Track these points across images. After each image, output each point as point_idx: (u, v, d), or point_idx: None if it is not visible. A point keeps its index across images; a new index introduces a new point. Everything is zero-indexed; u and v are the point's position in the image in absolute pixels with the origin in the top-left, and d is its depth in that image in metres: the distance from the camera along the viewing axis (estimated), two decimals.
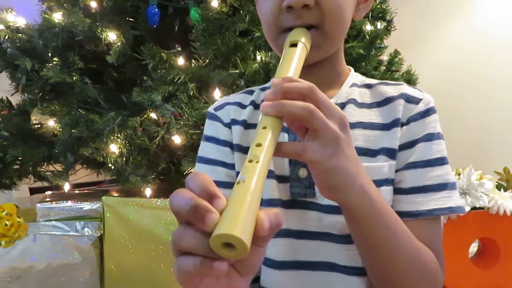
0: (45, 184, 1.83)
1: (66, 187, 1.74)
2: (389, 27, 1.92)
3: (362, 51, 1.61)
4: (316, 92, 0.43)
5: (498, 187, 1.46)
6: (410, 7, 2.46)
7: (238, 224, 0.32)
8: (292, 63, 0.51)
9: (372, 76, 1.70)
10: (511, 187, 1.52)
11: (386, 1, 1.86)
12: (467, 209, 1.37)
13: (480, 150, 2.49)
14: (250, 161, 0.38)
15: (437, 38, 2.64)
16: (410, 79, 1.95)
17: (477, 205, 1.36)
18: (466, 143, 2.39)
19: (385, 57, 1.96)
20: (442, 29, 2.63)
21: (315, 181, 0.47)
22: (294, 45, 0.55)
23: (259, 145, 0.40)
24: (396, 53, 1.96)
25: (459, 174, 1.48)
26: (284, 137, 0.64)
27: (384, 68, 1.92)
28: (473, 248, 1.51)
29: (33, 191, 2.24)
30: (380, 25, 1.76)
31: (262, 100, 0.44)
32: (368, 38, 1.68)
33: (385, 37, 1.88)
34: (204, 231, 0.32)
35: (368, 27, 1.70)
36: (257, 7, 0.68)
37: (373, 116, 0.64)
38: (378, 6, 1.82)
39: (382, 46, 1.82)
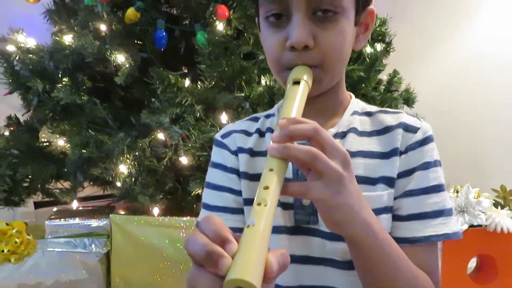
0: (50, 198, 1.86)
1: (74, 203, 1.77)
2: (388, 48, 1.95)
3: (362, 74, 1.64)
4: (320, 133, 0.46)
5: (495, 204, 1.49)
6: (408, 26, 2.48)
7: (249, 269, 0.34)
8: (295, 101, 0.55)
9: (372, 97, 1.73)
10: (508, 204, 1.55)
11: (385, 24, 1.90)
12: (465, 226, 1.40)
13: (477, 167, 2.50)
14: (259, 204, 0.41)
15: (435, 57, 2.66)
16: (408, 98, 1.98)
17: (475, 223, 1.39)
18: (464, 160, 2.40)
19: (384, 77, 1.99)
20: (440, 48, 2.64)
21: (321, 216, 0.50)
22: (297, 82, 0.58)
23: (266, 187, 0.42)
24: (395, 73, 1.98)
25: (457, 192, 1.51)
26: (288, 166, 0.67)
27: (383, 88, 1.95)
28: (472, 264, 1.54)
29: (37, 205, 2.25)
30: (379, 47, 1.80)
31: (269, 130, 0.45)
32: (368, 60, 1.72)
33: (384, 57, 1.91)
34: (218, 274, 0.35)
35: (368, 50, 1.74)
36: (261, 40, 0.70)
37: (372, 144, 0.67)
38: (378, 29, 1.86)
39: (382, 69, 1.85)
